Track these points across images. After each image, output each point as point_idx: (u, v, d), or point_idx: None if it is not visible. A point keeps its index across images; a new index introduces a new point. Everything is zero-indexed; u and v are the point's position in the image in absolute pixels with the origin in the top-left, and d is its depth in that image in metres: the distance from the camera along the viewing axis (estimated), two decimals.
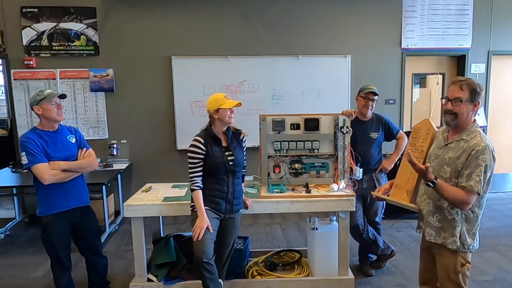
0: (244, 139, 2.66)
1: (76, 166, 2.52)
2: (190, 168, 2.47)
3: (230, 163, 2.52)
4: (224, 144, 2.56)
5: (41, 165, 2.37)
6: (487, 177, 1.86)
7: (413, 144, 2.18)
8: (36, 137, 2.42)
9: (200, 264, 2.39)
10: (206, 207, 2.48)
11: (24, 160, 2.38)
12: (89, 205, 2.70)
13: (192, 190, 2.47)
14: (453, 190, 1.88)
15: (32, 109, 2.45)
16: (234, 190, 2.56)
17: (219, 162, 2.48)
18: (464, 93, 1.91)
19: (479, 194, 1.86)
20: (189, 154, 2.47)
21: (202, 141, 2.46)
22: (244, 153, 2.66)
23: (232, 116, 2.50)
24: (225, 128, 2.55)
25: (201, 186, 2.47)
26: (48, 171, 2.37)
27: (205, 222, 2.41)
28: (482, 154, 1.83)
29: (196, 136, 2.51)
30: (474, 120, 1.97)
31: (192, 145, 2.47)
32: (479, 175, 1.83)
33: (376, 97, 3.10)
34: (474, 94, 1.90)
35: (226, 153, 2.53)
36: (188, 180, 2.50)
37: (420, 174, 1.91)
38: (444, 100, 1.97)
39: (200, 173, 2.48)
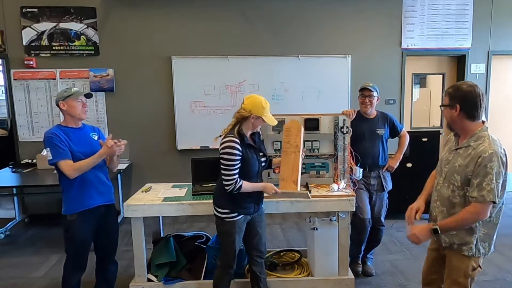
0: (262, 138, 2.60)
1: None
2: (228, 169, 2.30)
3: (263, 164, 2.48)
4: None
5: (65, 162, 2.36)
6: (500, 184, 1.80)
7: (287, 141, 2.44)
8: (61, 132, 2.43)
9: None
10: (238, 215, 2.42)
11: (49, 156, 2.37)
12: (114, 203, 2.68)
13: (239, 187, 2.31)
14: (461, 218, 1.86)
15: (58, 105, 2.46)
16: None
17: (254, 163, 2.40)
18: (445, 99, 1.97)
19: (494, 202, 1.81)
20: (225, 156, 2.28)
21: (238, 141, 2.31)
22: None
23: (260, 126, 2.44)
24: (251, 132, 2.45)
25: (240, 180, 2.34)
26: (71, 167, 2.36)
27: (272, 186, 2.40)
28: (489, 162, 1.77)
29: (229, 136, 2.33)
30: (483, 122, 1.91)
31: (228, 146, 2.28)
32: (489, 184, 1.77)
33: (372, 93, 3.06)
34: (452, 98, 1.91)
35: (260, 154, 2.47)
36: (226, 182, 2.31)
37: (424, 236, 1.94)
38: None
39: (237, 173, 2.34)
